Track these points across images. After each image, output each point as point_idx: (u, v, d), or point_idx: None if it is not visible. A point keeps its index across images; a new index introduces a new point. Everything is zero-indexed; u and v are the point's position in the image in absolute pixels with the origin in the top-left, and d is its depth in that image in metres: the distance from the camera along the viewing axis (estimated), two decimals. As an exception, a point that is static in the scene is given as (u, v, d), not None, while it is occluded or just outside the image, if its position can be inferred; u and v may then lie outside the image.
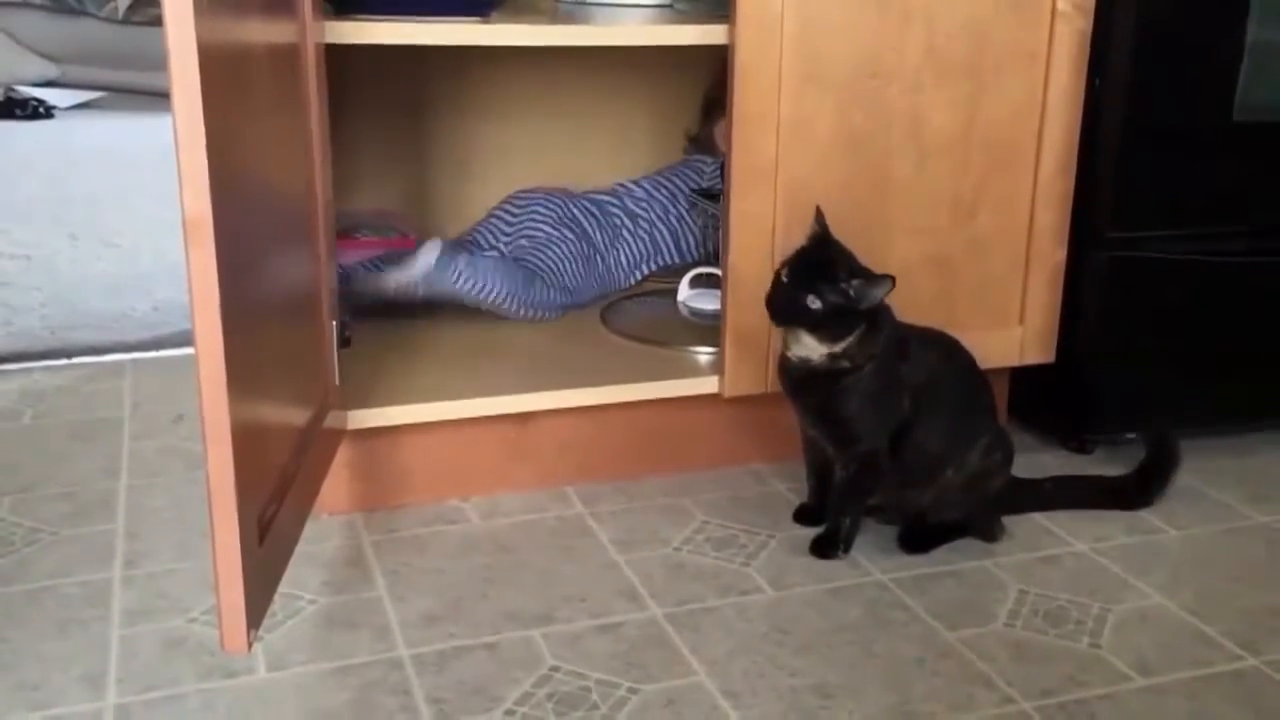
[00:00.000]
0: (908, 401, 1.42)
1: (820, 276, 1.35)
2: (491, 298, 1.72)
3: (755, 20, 1.48)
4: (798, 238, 1.56)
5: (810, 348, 1.38)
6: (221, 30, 0.98)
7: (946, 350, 1.47)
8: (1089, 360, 1.74)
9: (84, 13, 5.10)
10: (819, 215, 1.39)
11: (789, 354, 1.41)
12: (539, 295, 1.78)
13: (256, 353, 1.10)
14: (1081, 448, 1.78)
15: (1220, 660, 1.28)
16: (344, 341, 1.48)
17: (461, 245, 1.75)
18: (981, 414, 1.49)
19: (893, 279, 1.35)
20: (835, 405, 1.41)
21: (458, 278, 1.69)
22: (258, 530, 1.08)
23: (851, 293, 1.35)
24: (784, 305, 1.37)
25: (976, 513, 1.50)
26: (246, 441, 1.03)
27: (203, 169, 0.93)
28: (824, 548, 1.47)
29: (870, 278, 1.36)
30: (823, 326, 1.36)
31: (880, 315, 1.39)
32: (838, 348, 1.37)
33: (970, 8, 1.56)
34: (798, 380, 1.42)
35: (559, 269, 1.83)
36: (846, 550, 1.47)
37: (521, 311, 1.77)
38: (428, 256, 1.68)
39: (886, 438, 1.42)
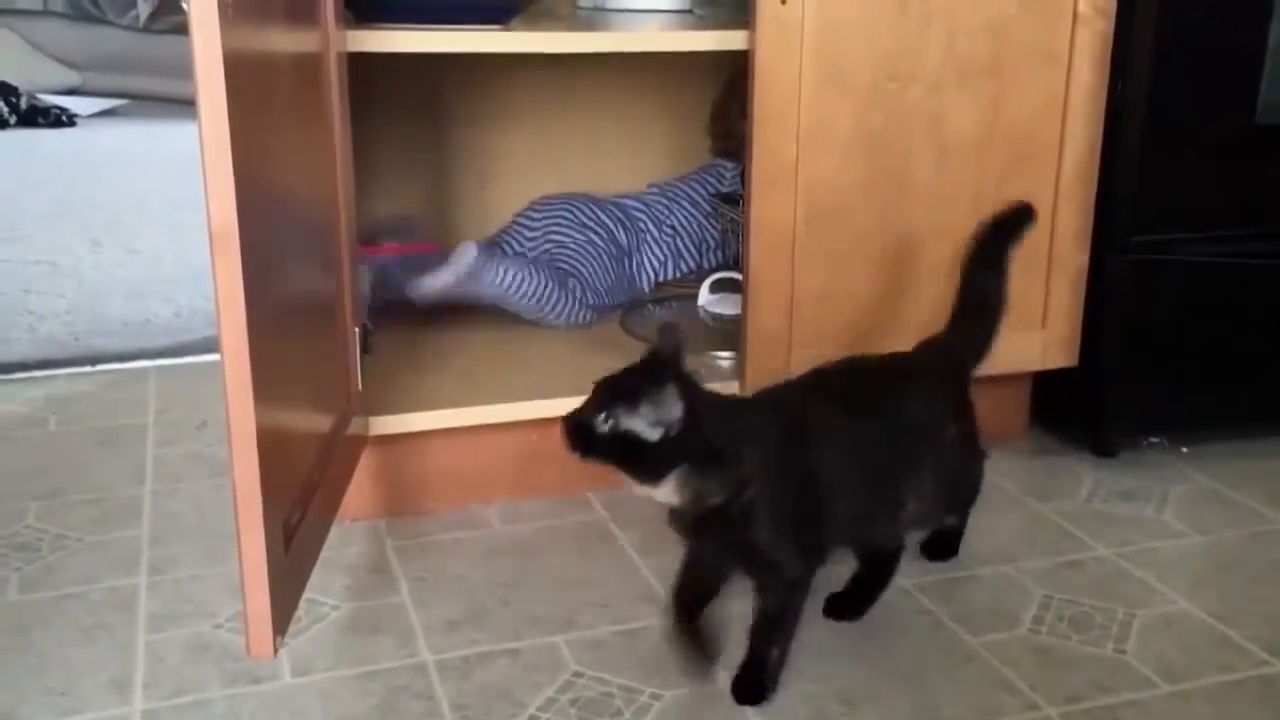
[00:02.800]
0: (832, 492, 1.20)
1: (623, 396, 1.11)
2: (530, 298, 1.73)
3: (774, 24, 1.48)
4: (818, 240, 1.57)
5: (657, 494, 1.15)
6: (246, 40, 0.99)
7: (858, 391, 1.27)
8: (1112, 364, 1.73)
9: (105, 21, 5.15)
10: (669, 330, 1.18)
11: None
12: (574, 298, 1.79)
13: (281, 360, 1.10)
14: (1105, 451, 1.77)
15: (1246, 665, 1.27)
16: (364, 348, 1.49)
17: (495, 246, 1.76)
18: (926, 432, 1.30)
19: (671, 385, 1.09)
20: (739, 541, 1.17)
21: (499, 276, 1.70)
22: (283, 537, 1.08)
23: (651, 417, 1.10)
24: (573, 425, 1.13)
25: (967, 503, 1.43)
26: (272, 448, 1.03)
27: (228, 178, 0.94)
28: (749, 690, 1.20)
29: (660, 395, 1.09)
30: (625, 460, 1.12)
31: (735, 444, 1.15)
32: (663, 487, 1.13)
33: (990, 10, 1.55)
34: (685, 528, 1.18)
35: (590, 272, 1.83)
36: (775, 688, 1.21)
37: (557, 313, 1.77)
38: (467, 257, 1.68)
39: (816, 554, 1.21)
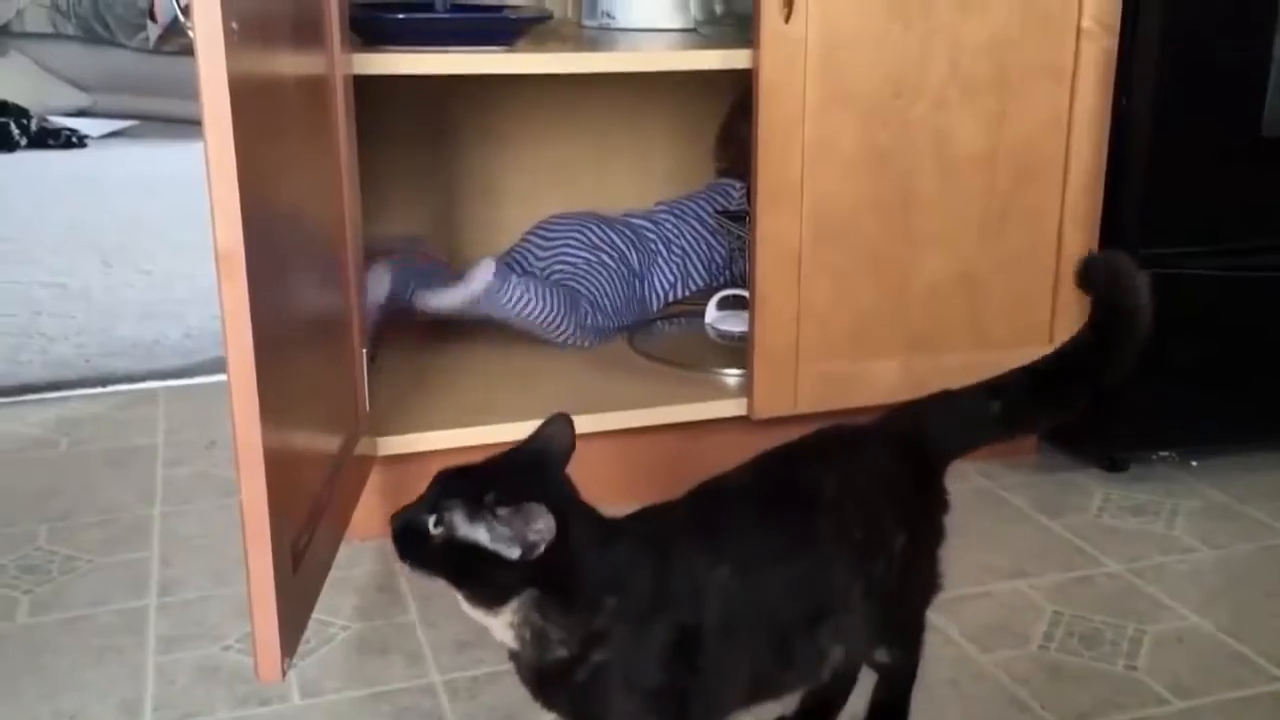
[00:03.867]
0: (715, 656, 0.93)
1: (462, 493, 0.89)
2: (545, 318, 1.73)
3: (778, 42, 1.48)
4: (824, 256, 1.57)
5: (493, 626, 0.93)
6: (252, 63, 0.99)
7: (760, 506, 1.01)
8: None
9: (115, 43, 5.17)
10: (558, 423, 0.97)
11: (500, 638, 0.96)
12: (585, 319, 1.79)
13: (289, 381, 1.11)
14: (1115, 465, 1.76)
15: (1258, 681, 1.27)
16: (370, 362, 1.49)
17: (510, 266, 1.76)
18: (855, 554, 1.00)
19: (545, 509, 0.86)
20: (587, 710, 0.94)
21: (511, 297, 1.69)
22: (291, 558, 1.08)
23: (496, 524, 0.87)
24: (400, 528, 0.91)
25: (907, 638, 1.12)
26: (280, 470, 1.03)
27: (234, 200, 0.95)
28: None
29: (523, 507, 0.86)
30: (458, 575, 0.90)
31: (599, 584, 0.91)
32: (499, 618, 0.91)
33: (994, 26, 1.56)
34: (531, 682, 0.95)
35: (602, 294, 1.83)
36: None
37: (569, 335, 1.77)
38: (483, 275, 1.67)
39: None
